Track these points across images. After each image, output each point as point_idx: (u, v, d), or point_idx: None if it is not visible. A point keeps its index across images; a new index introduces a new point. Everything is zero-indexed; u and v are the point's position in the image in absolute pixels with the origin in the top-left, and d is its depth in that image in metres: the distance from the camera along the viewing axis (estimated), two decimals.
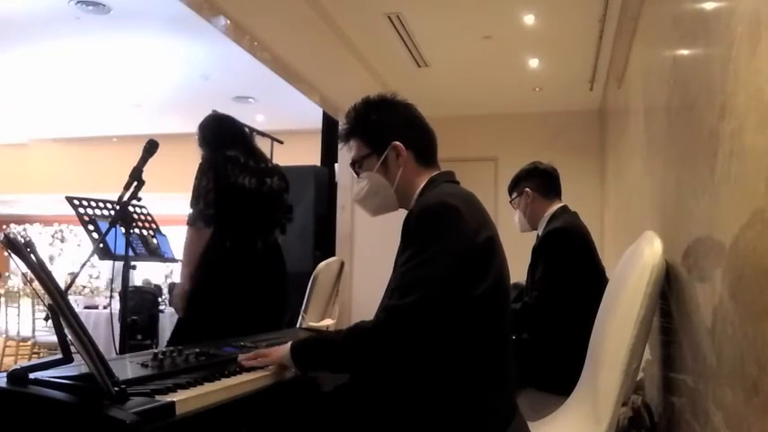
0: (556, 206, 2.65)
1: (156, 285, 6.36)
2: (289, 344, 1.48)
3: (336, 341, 1.43)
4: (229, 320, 2.58)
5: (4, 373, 1.16)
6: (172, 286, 3.63)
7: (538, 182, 2.68)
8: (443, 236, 1.37)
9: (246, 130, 3.07)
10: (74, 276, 2.57)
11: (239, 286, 2.71)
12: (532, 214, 2.68)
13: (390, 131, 1.58)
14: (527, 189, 2.68)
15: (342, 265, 4.65)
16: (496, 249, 1.45)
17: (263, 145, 3.24)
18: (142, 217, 2.94)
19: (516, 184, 2.74)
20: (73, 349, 1.17)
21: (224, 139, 2.87)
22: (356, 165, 1.64)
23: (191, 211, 2.71)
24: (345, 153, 1.67)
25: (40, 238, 11.68)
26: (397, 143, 1.57)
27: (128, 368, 1.38)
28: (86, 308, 5.85)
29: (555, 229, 2.52)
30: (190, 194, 2.74)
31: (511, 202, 2.78)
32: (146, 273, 6.62)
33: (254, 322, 2.51)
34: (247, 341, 1.82)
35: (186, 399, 1.16)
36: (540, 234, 2.64)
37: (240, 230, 2.77)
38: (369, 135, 1.60)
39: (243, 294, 2.70)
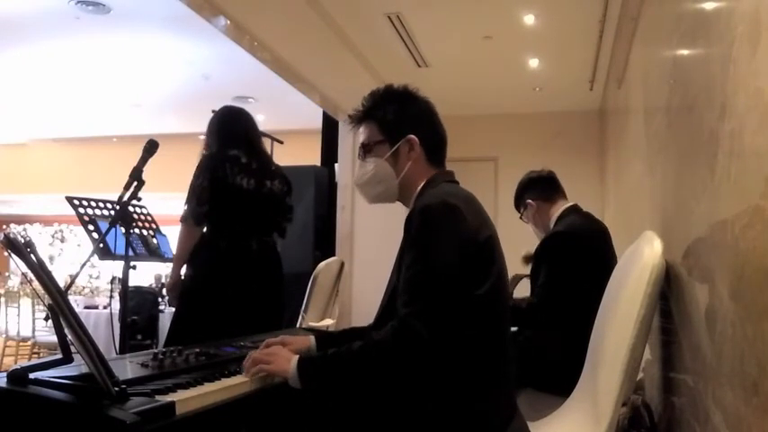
0: (562, 206, 2.63)
1: (162, 284, 6.35)
2: (294, 360, 1.38)
3: (351, 357, 1.34)
4: (227, 321, 2.58)
5: (4, 373, 1.16)
6: None
7: (538, 189, 2.69)
8: (446, 236, 1.37)
9: (256, 128, 3.01)
10: (74, 276, 2.57)
11: (235, 286, 2.70)
12: (542, 221, 2.68)
13: (408, 124, 1.58)
14: (529, 201, 2.69)
15: (342, 265, 4.65)
16: (497, 248, 1.46)
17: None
18: (142, 217, 2.93)
19: (519, 200, 2.75)
20: (73, 349, 1.17)
21: (228, 137, 2.85)
22: (365, 148, 1.62)
23: (184, 207, 2.72)
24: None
25: (40, 238, 11.70)
26: (412, 137, 1.56)
27: (128, 368, 1.38)
28: (86, 308, 5.85)
29: (554, 233, 2.52)
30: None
31: (521, 218, 2.78)
32: (153, 271, 6.63)
33: (251, 323, 2.51)
34: (247, 341, 1.82)
35: (186, 399, 1.16)
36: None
37: (236, 231, 2.76)
38: (386, 122, 1.59)
39: (239, 295, 2.69)
